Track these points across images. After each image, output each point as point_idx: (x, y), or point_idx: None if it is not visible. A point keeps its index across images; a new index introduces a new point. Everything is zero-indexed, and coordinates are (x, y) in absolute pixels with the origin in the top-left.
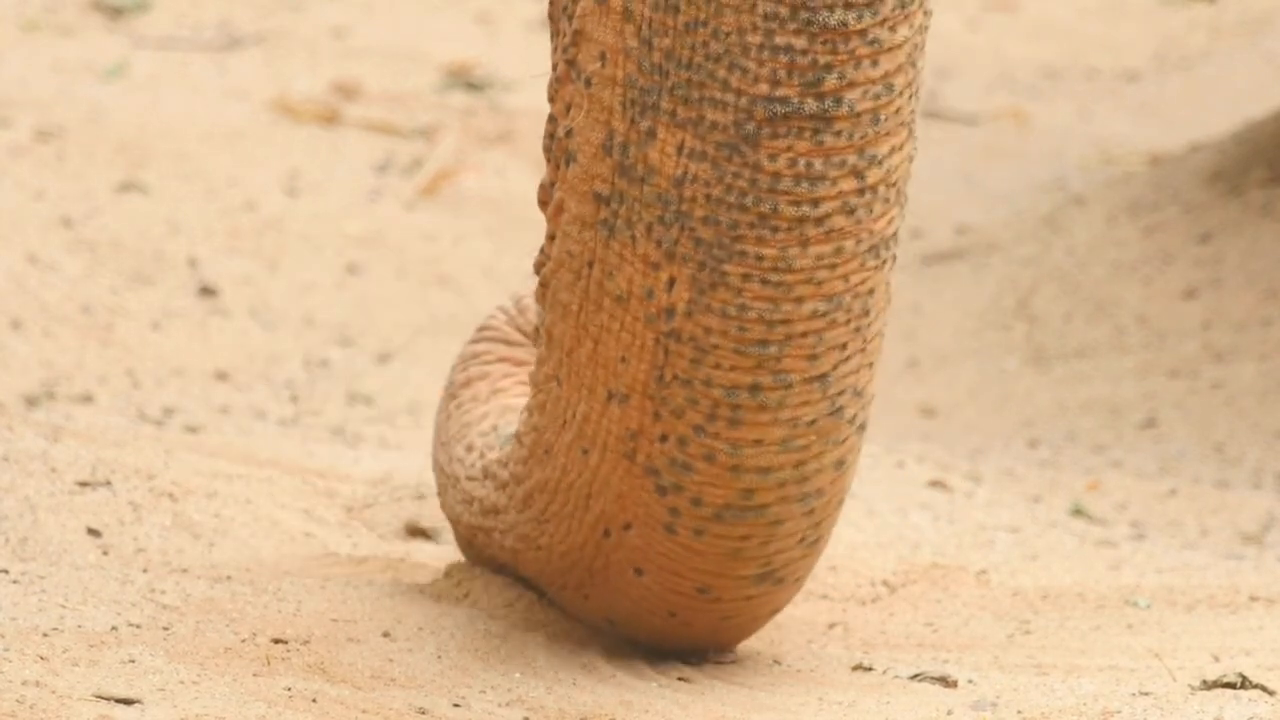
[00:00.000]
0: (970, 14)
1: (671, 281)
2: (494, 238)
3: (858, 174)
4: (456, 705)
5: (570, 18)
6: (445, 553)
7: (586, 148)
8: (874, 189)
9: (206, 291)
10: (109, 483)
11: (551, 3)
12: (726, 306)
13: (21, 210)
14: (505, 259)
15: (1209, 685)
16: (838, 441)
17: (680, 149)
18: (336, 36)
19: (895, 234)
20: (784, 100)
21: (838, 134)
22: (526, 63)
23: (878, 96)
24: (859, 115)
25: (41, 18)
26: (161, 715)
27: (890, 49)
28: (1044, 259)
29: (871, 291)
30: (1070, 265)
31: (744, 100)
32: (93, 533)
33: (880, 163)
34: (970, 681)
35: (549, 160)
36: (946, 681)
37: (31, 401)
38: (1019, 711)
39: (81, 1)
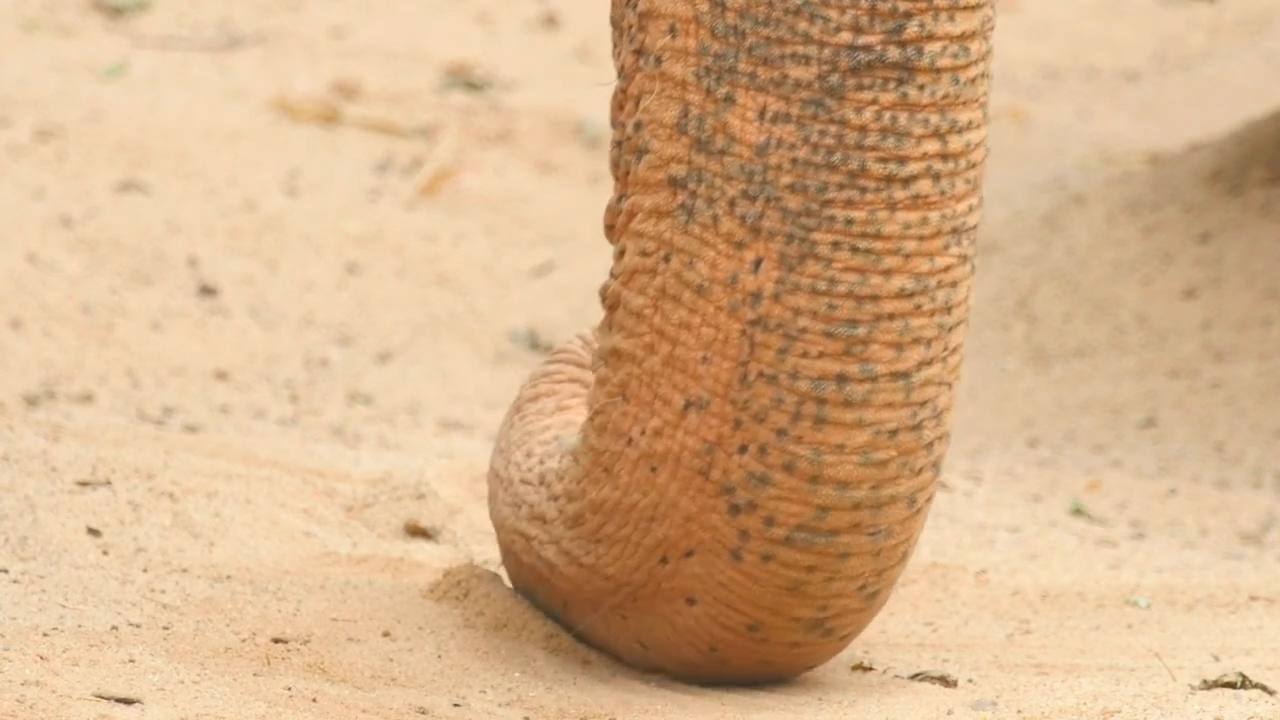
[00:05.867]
0: None
1: (758, 262)
2: (494, 237)
3: (940, 136)
4: (456, 705)
5: (634, 6)
6: (445, 553)
7: (660, 131)
8: (956, 159)
9: (206, 291)
10: (109, 483)
11: (613, 5)
12: (816, 281)
13: (21, 210)
14: (505, 259)
15: (1209, 685)
16: (914, 469)
17: (762, 114)
18: (336, 36)
19: (975, 229)
20: (867, 48)
21: (920, 88)
22: (526, 63)
23: (956, 55)
24: (939, 72)
25: (41, 18)
26: (161, 715)
27: (966, 8)
28: (1044, 259)
29: (955, 284)
30: (1070, 265)
31: (827, 51)
32: (93, 532)
33: (960, 132)
34: (970, 681)
35: (616, 175)
36: (946, 681)
37: (31, 401)
38: (1019, 711)
39: (81, 1)
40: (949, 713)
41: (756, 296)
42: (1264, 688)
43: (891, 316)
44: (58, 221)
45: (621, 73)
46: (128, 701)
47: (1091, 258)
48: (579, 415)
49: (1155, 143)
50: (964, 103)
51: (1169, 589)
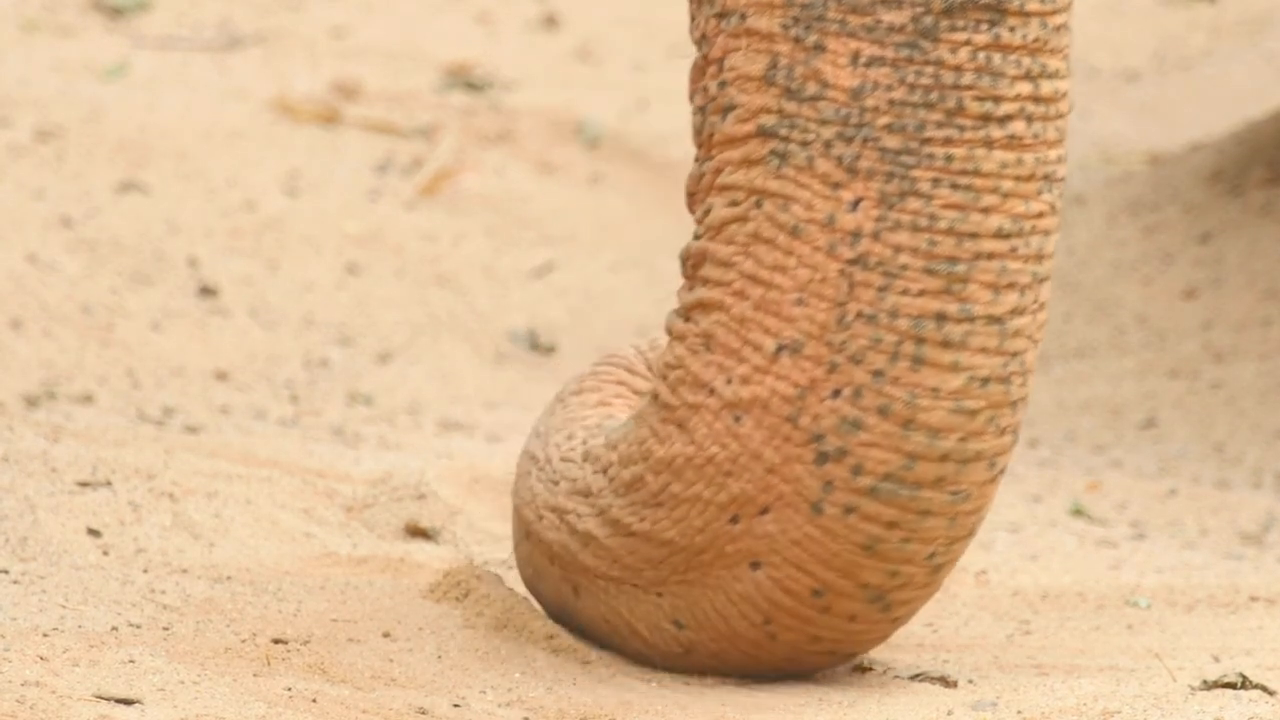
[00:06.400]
0: None
1: (856, 202)
2: (494, 238)
3: (1032, 79)
4: (456, 705)
5: None
6: (445, 553)
7: (747, 85)
8: (1047, 103)
9: (206, 291)
10: (109, 483)
11: None
12: (917, 218)
13: (21, 210)
14: (505, 259)
15: (1209, 685)
16: (999, 428)
17: (855, 58)
18: (336, 36)
19: (1063, 182)
20: None
21: (1011, 30)
22: (526, 63)
23: (1043, 0)
24: (1028, 15)
25: (41, 18)
26: (161, 715)
27: None
28: None
29: (1046, 234)
30: (1070, 265)
31: None
32: (93, 533)
33: (1050, 78)
34: (970, 681)
35: (698, 142)
36: (946, 681)
37: (31, 401)
38: (1019, 711)
39: (81, 1)
40: (949, 713)
41: (855, 235)
42: (1264, 688)
43: (990, 256)
44: (58, 221)
45: (703, 41)
46: (128, 702)
47: (1091, 258)
48: (621, 411)
49: (1155, 143)
50: (1051, 50)
51: (1169, 589)
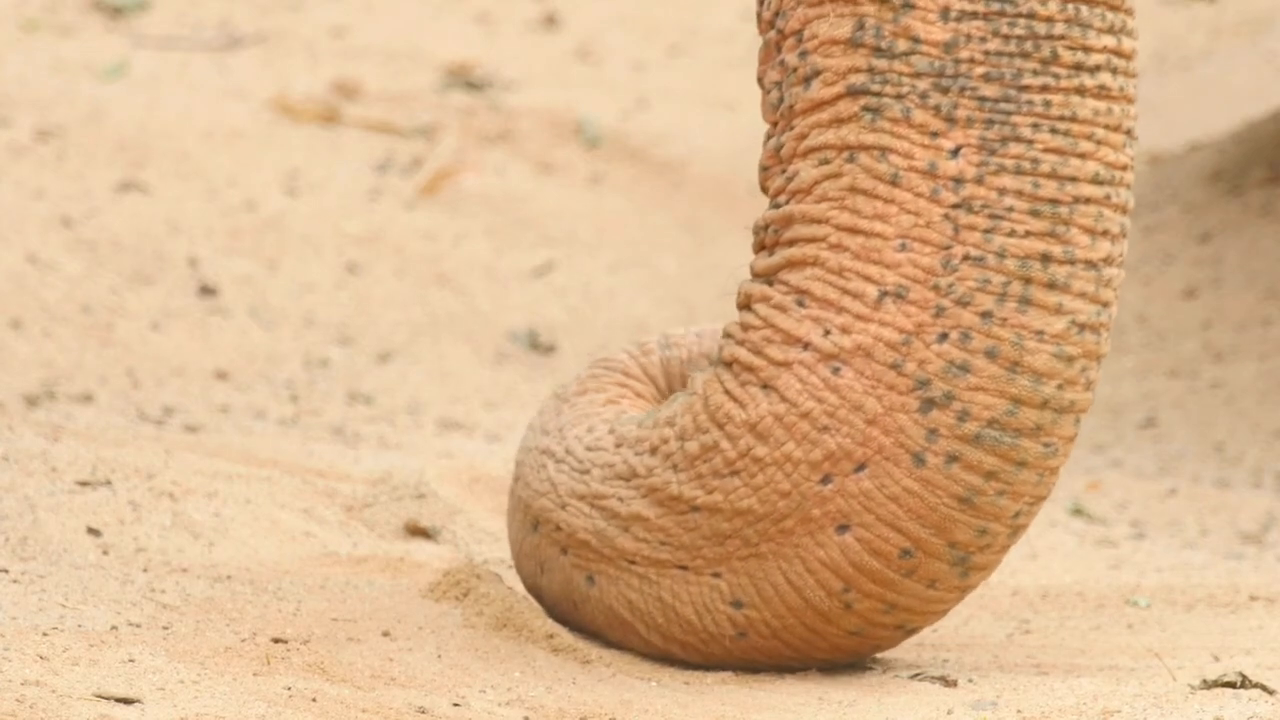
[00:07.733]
0: None
1: (957, 149)
2: (494, 237)
3: (1114, 34)
4: (456, 705)
5: None
6: (445, 553)
7: (832, 50)
8: (1127, 59)
9: (206, 291)
10: (109, 482)
11: None
12: (1020, 162)
13: (21, 210)
14: (505, 259)
15: (1209, 685)
16: (1087, 381)
17: (945, 14)
18: (336, 36)
19: (1135, 137)
20: None
21: None
22: (526, 63)
23: None
24: None
25: (41, 18)
26: (161, 715)
27: None
28: None
29: (1129, 188)
30: None
31: None
32: (93, 532)
33: (1127, 34)
34: (970, 681)
35: (774, 118)
36: (946, 681)
37: (31, 401)
38: (1019, 711)
39: (81, 1)
40: (949, 713)
41: (958, 180)
42: (1264, 688)
43: (1088, 201)
44: (58, 221)
45: (777, 17)
46: (128, 701)
47: None
48: (632, 408)
49: (1155, 143)
50: (1126, 9)
51: (1169, 589)
